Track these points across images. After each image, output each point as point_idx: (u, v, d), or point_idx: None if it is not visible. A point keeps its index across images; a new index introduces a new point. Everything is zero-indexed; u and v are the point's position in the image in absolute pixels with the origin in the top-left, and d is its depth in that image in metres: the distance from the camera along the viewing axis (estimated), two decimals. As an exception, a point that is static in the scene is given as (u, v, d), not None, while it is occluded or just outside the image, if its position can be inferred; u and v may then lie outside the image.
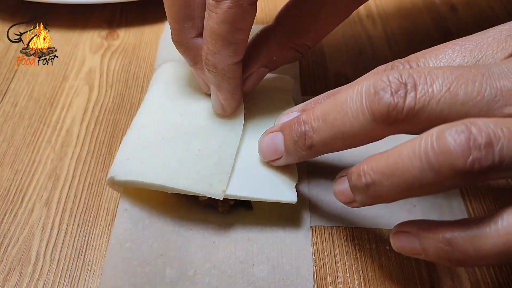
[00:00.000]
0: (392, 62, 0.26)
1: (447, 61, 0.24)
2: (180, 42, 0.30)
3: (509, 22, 0.25)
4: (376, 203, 0.24)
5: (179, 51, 0.31)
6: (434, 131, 0.21)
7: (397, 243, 0.25)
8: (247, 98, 0.33)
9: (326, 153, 0.26)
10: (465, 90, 0.21)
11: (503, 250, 0.20)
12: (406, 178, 0.21)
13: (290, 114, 0.29)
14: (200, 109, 0.32)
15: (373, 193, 0.23)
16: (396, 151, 0.22)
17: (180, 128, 0.31)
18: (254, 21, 0.28)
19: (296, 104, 0.31)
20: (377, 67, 0.26)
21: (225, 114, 0.31)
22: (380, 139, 0.24)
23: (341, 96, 0.24)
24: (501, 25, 0.25)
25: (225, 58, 0.28)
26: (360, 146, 0.25)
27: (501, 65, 0.22)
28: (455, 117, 0.21)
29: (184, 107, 0.33)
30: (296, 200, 0.28)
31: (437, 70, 0.22)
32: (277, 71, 0.33)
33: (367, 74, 0.27)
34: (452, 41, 0.25)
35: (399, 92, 0.22)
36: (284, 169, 0.29)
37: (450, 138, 0.20)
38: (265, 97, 0.34)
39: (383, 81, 0.22)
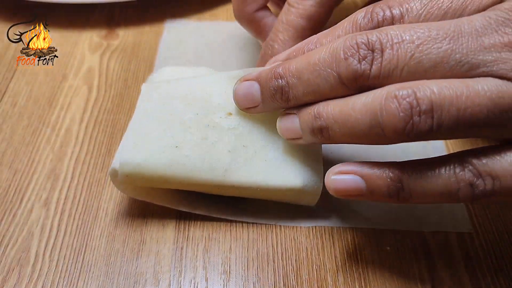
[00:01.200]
0: (372, 5, 0.26)
1: (434, 4, 0.24)
2: (242, 16, 0.34)
3: None
4: (323, 143, 0.27)
5: (242, 25, 0.35)
6: (384, 92, 0.23)
7: (339, 186, 0.25)
8: None
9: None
10: (429, 57, 0.22)
11: (445, 190, 0.23)
12: (356, 131, 0.24)
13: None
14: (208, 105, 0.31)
15: (325, 135, 0.25)
16: (351, 103, 0.24)
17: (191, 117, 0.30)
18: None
19: None
20: (355, 13, 0.26)
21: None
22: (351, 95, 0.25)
23: (314, 55, 0.25)
24: None
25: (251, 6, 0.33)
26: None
27: (475, 21, 0.22)
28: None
29: (189, 98, 0.32)
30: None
31: (405, 33, 0.23)
32: None
33: (343, 21, 0.27)
34: None
35: (366, 59, 0.23)
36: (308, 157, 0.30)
37: (396, 102, 0.22)
38: None
39: (352, 46, 0.24)
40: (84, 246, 0.30)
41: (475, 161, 0.23)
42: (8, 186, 0.33)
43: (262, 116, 0.30)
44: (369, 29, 0.25)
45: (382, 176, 0.24)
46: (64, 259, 0.29)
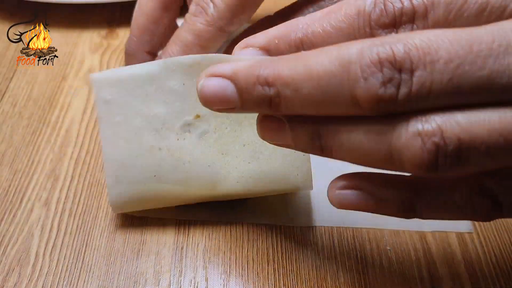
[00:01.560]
0: None
1: None
2: (132, 49, 0.35)
3: None
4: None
5: (125, 55, 0.35)
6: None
7: (344, 201, 0.22)
8: None
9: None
10: (470, 81, 0.18)
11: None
12: (367, 159, 0.20)
13: (248, 51, 0.24)
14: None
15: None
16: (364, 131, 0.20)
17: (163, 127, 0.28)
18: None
19: None
20: None
21: None
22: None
23: (314, 62, 0.19)
24: None
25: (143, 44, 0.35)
26: None
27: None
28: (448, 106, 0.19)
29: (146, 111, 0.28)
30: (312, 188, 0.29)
31: (440, 46, 0.18)
32: None
33: (341, 3, 0.22)
34: None
35: (392, 82, 0.18)
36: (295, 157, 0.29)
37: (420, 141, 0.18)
38: None
39: (373, 62, 0.18)
40: (84, 246, 0.30)
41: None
42: (8, 186, 0.33)
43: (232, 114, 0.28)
44: (382, 25, 0.20)
45: (394, 198, 0.21)
46: (64, 259, 0.29)
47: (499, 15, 0.19)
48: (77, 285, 0.28)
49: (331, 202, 0.22)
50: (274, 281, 0.28)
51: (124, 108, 0.27)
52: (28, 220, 0.31)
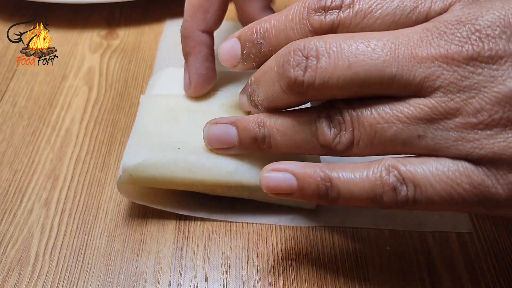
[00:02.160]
0: None
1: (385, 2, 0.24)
2: (187, 29, 0.33)
3: None
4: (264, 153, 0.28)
5: (181, 39, 0.33)
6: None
7: (271, 183, 0.25)
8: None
9: None
10: (365, 68, 0.22)
11: (371, 193, 0.23)
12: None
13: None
14: (210, 106, 0.33)
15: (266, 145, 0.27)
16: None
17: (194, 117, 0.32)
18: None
19: None
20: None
21: (192, 89, 0.32)
22: (298, 106, 0.26)
23: (266, 63, 0.26)
24: None
25: (196, 25, 0.32)
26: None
27: (414, 32, 0.22)
28: (355, 93, 0.23)
29: (189, 109, 0.33)
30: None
31: (344, 42, 0.23)
32: None
33: (290, 6, 0.26)
34: None
35: (299, 66, 0.23)
36: None
37: (322, 127, 0.25)
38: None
39: (287, 52, 0.24)
40: (84, 246, 0.30)
41: (400, 167, 0.23)
42: (8, 186, 0.33)
43: None
44: (316, 9, 0.25)
45: (313, 174, 0.24)
46: (64, 259, 0.29)
47: (407, 16, 0.23)
48: (77, 285, 0.28)
49: (261, 185, 0.25)
50: (274, 281, 0.28)
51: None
52: (28, 220, 0.31)
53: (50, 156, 0.35)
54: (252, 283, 0.28)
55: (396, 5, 0.23)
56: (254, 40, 0.27)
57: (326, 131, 0.24)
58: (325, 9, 0.24)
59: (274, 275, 0.29)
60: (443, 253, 0.30)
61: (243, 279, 0.28)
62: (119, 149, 0.36)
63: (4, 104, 0.39)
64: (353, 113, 0.23)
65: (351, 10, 0.24)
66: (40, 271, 0.29)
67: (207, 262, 0.29)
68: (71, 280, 0.28)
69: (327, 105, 0.25)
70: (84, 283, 0.28)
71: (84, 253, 0.30)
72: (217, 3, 0.32)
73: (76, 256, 0.29)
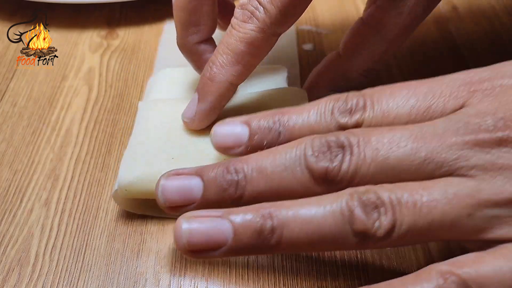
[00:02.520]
0: (347, 94, 0.26)
1: (401, 99, 0.25)
2: (184, 46, 0.32)
3: (465, 71, 0.25)
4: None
5: (183, 55, 0.33)
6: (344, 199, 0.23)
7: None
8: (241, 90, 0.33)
9: None
10: (395, 154, 0.23)
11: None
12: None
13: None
14: None
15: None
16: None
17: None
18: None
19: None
20: (330, 97, 0.26)
21: (191, 125, 0.31)
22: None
23: (280, 150, 0.25)
24: (456, 73, 0.25)
25: (227, 75, 0.29)
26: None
27: (438, 123, 0.23)
28: (387, 180, 0.23)
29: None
30: None
31: (372, 133, 0.24)
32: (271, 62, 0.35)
33: (315, 103, 0.27)
34: (407, 82, 0.26)
35: (337, 157, 0.24)
36: None
37: (358, 211, 0.23)
38: (259, 88, 0.35)
39: (322, 143, 0.24)
40: (84, 246, 0.30)
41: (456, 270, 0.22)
42: (8, 186, 0.33)
43: None
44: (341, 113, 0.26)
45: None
46: (64, 259, 0.29)
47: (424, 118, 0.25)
48: (77, 285, 0.28)
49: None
50: (274, 281, 0.28)
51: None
52: (28, 220, 0.31)
53: (50, 156, 0.35)
54: (252, 283, 0.28)
55: (410, 106, 0.25)
56: (271, 128, 0.26)
57: (363, 216, 0.23)
58: (351, 112, 0.25)
59: (274, 275, 0.29)
60: (443, 253, 0.30)
61: (243, 279, 0.29)
62: (119, 149, 0.36)
63: (4, 104, 0.39)
64: (391, 195, 0.23)
65: (372, 111, 0.25)
66: (40, 271, 0.29)
67: (207, 262, 0.29)
68: (71, 280, 0.28)
69: (351, 189, 0.24)
70: (84, 283, 0.28)
71: (84, 253, 0.30)
72: (206, 14, 0.31)
73: (76, 256, 0.29)
